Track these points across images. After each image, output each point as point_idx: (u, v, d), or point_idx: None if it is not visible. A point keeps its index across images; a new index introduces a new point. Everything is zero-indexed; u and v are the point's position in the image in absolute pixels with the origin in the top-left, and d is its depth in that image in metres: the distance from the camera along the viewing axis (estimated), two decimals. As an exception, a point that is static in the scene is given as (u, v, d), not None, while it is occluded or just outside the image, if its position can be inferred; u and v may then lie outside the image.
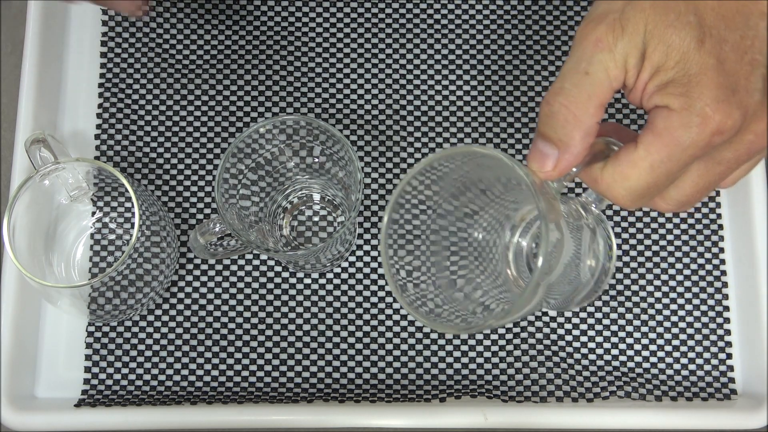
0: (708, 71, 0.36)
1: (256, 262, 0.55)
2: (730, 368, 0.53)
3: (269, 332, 0.54)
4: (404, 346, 0.54)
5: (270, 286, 0.55)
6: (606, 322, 0.54)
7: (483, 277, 0.47)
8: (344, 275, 0.55)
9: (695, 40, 0.36)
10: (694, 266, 0.54)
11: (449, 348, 0.54)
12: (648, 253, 0.55)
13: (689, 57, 0.36)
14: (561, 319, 0.54)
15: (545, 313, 0.54)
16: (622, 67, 0.36)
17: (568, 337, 0.54)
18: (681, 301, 0.54)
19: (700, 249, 0.55)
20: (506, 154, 0.37)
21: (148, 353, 0.54)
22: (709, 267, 0.54)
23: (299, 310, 0.54)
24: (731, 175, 0.39)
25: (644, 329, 0.54)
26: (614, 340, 0.54)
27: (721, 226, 0.55)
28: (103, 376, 0.53)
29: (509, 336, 0.54)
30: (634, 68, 0.37)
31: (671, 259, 0.55)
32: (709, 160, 0.38)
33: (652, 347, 0.53)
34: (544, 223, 0.35)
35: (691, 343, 0.54)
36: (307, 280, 0.55)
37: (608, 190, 0.38)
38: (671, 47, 0.36)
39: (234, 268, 0.55)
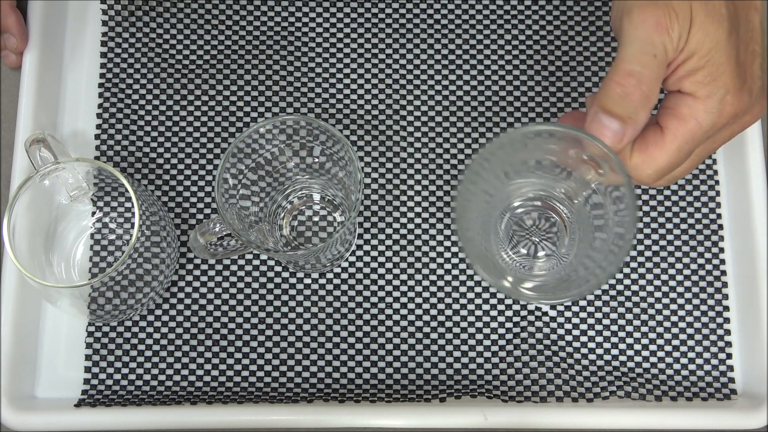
0: (730, 61, 0.40)
1: (256, 262, 0.55)
2: (730, 368, 0.53)
3: (269, 332, 0.54)
4: (404, 346, 0.54)
5: (270, 286, 0.55)
6: (606, 322, 0.54)
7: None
8: (344, 275, 0.55)
9: (726, 32, 0.40)
10: (694, 266, 0.54)
11: (449, 348, 0.54)
12: (648, 253, 0.55)
13: (720, 47, 0.40)
14: (561, 319, 0.54)
15: (545, 313, 0.54)
16: (676, 48, 0.40)
17: (568, 337, 0.54)
18: (681, 301, 0.54)
19: (700, 249, 0.55)
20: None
21: (148, 353, 0.54)
22: (709, 267, 0.54)
23: (299, 310, 0.54)
24: (672, 174, 0.44)
25: (644, 329, 0.54)
26: (614, 340, 0.54)
27: (721, 226, 0.55)
28: (103, 376, 0.53)
29: (509, 336, 0.54)
30: (680, 50, 0.40)
31: (671, 259, 0.55)
32: (708, 139, 0.42)
33: (652, 347, 0.53)
34: (633, 192, 0.40)
35: (691, 343, 0.54)
36: (307, 280, 0.55)
37: (635, 170, 0.42)
38: (708, 35, 0.40)
39: (234, 268, 0.55)
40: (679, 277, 0.54)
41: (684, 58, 0.40)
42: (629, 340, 0.54)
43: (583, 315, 0.54)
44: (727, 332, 0.54)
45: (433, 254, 0.55)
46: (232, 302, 0.54)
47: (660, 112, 0.42)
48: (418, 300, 0.54)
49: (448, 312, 0.54)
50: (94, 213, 0.55)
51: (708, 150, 0.43)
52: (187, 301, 0.54)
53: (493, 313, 0.54)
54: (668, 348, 0.53)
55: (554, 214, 0.52)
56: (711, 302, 0.54)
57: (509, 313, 0.54)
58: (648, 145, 0.41)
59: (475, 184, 0.44)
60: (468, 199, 0.44)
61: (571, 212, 0.51)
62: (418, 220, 0.55)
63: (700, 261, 0.55)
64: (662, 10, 0.39)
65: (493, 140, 0.43)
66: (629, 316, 0.54)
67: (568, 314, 0.54)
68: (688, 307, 0.54)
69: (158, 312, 0.54)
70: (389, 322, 0.54)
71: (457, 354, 0.53)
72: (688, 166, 0.44)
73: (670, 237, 0.55)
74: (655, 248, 0.55)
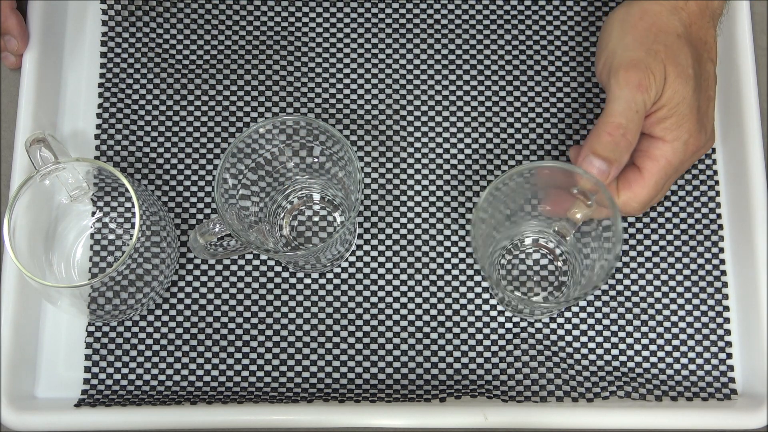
0: (693, 111, 0.48)
1: (256, 262, 0.55)
2: (730, 368, 0.53)
3: (269, 332, 0.54)
4: (404, 346, 0.54)
5: (270, 286, 0.55)
6: (606, 322, 0.54)
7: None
8: (344, 275, 0.55)
9: (692, 89, 0.48)
10: (694, 266, 0.54)
11: (449, 348, 0.54)
12: (648, 253, 0.55)
13: (686, 101, 0.48)
14: (561, 320, 0.54)
15: (545, 313, 0.54)
16: (651, 104, 0.48)
17: (568, 337, 0.54)
18: (681, 301, 0.54)
19: (700, 249, 0.55)
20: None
21: (148, 353, 0.54)
22: (709, 267, 0.54)
23: (299, 310, 0.54)
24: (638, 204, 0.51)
25: (644, 329, 0.54)
26: (614, 340, 0.54)
27: (721, 226, 0.55)
28: (103, 376, 0.53)
29: (509, 336, 0.54)
30: (653, 103, 0.48)
31: (671, 259, 0.55)
32: (675, 172, 0.50)
33: (652, 347, 0.53)
34: (619, 225, 0.46)
35: (691, 343, 0.54)
36: (307, 280, 0.55)
37: (624, 206, 0.50)
38: (676, 92, 0.48)
39: (234, 268, 0.55)
40: (679, 277, 0.54)
41: (655, 108, 0.48)
42: (629, 340, 0.54)
43: (583, 315, 0.54)
44: (727, 332, 0.54)
45: (433, 254, 0.55)
46: (232, 302, 0.54)
47: (636, 155, 0.49)
48: (418, 300, 0.54)
49: (448, 312, 0.54)
50: (94, 213, 0.55)
51: (674, 179, 0.51)
52: (187, 301, 0.54)
53: (493, 313, 0.54)
54: (668, 348, 0.53)
55: (550, 254, 0.54)
56: (711, 302, 0.54)
57: (509, 313, 0.54)
58: (631, 184, 0.49)
59: (486, 212, 0.49)
60: (480, 227, 0.48)
61: (565, 249, 0.53)
62: (418, 220, 0.55)
63: (700, 261, 0.55)
64: (643, 73, 0.47)
65: (498, 176, 0.49)
66: (629, 316, 0.54)
67: (568, 314, 0.54)
68: (688, 307, 0.54)
69: (158, 312, 0.54)
70: (389, 322, 0.54)
71: (457, 354, 0.53)
72: (661, 195, 0.51)
73: (670, 237, 0.55)
74: (655, 248, 0.55)
